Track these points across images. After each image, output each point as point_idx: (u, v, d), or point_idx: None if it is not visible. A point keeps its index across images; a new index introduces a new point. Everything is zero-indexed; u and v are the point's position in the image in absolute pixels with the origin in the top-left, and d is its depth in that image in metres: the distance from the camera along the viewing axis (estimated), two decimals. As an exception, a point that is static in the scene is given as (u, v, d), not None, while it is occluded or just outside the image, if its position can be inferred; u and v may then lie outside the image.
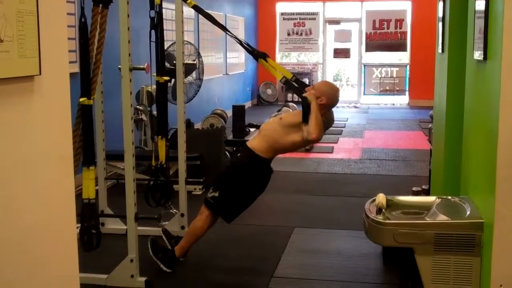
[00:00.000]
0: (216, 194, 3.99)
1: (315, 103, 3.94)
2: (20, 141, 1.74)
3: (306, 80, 14.97)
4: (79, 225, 3.33)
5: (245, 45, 4.26)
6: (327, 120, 4.10)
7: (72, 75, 2.01)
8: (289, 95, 14.74)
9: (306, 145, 4.05)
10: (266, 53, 4.23)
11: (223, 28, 4.42)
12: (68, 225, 2.02)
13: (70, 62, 2.01)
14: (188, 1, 4.28)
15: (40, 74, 1.76)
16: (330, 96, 4.06)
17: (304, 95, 4.00)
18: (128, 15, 3.72)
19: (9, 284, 1.73)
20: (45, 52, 1.77)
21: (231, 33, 4.38)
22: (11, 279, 1.73)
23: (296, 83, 4.25)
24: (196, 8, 4.32)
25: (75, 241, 2.06)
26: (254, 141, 4.08)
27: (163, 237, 4.26)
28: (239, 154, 4.13)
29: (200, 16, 6.54)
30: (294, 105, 11.85)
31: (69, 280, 2.04)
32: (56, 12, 1.87)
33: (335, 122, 4.35)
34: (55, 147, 1.91)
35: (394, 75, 15.19)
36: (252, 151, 4.02)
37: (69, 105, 1.97)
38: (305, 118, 3.95)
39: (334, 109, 4.21)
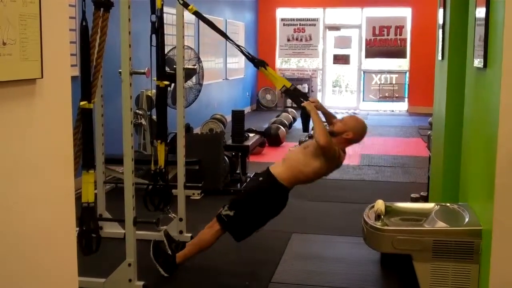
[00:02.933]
0: (231, 213, 3.99)
1: (314, 112, 3.94)
2: (21, 144, 1.74)
3: (306, 87, 15.02)
4: (77, 228, 3.33)
5: (246, 53, 4.27)
6: (339, 155, 3.98)
7: (72, 78, 2.01)
8: (288, 100, 14.75)
9: (330, 170, 4.01)
10: (265, 61, 4.23)
11: (224, 34, 4.42)
12: (68, 229, 2.02)
13: (71, 66, 2.01)
14: (189, 7, 4.28)
15: (42, 77, 1.77)
16: (357, 132, 4.01)
17: (302, 104, 4.01)
18: (129, 19, 3.73)
19: (8, 287, 1.73)
20: (47, 55, 1.78)
21: (231, 40, 4.38)
22: (10, 282, 1.73)
23: (295, 92, 4.24)
24: (197, 14, 4.33)
25: (75, 244, 2.06)
26: (278, 168, 4.04)
27: (164, 239, 4.26)
28: (260, 178, 4.08)
29: (200, 21, 6.52)
30: (294, 110, 11.89)
31: (69, 283, 2.04)
32: (58, 15, 1.87)
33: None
34: (56, 150, 1.91)
35: (394, 82, 15.21)
36: (275, 179, 4.00)
37: (70, 108, 1.98)
38: (305, 127, 3.96)
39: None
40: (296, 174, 4.00)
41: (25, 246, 1.79)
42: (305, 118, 3.99)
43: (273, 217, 4.16)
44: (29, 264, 1.82)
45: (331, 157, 3.90)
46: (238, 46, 4.32)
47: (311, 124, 4.11)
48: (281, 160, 4.12)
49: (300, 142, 7.57)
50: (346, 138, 3.96)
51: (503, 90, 2.74)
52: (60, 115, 1.92)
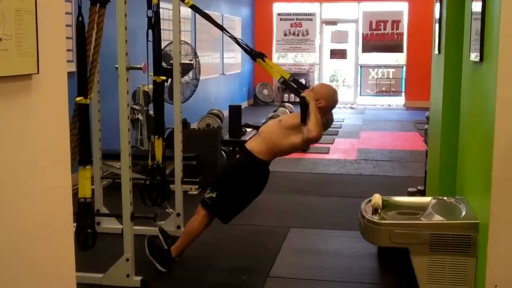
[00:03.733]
0: (214, 195, 4.00)
1: (313, 102, 3.96)
2: (17, 140, 1.74)
3: (303, 81, 15.01)
4: (75, 224, 3.33)
5: (243, 45, 4.27)
6: (326, 121, 4.13)
7: (69, 74, 2.01)
8: (286, 95, 14.76)
9: (306, 147, 4.09)
10: (263, 53, 4.24)
11: (221, 27, 4.42)
12: (66, 224, 2.02)
13: (67, 61, 2.01)
14: (186, 1, 4.28)
15: (38, 72, 1.76)
16: (329, 99, 4.08)
17: (302, 94, 4.02)
18: (125, 15, 3.72)
19: (6, 283, 1.73)
20: (43, 50, 1.77)
21: (228, 32, 4.38)
22: (7, 278, 1.73)
23: (294, 83, 4.26)
24: (194, 7, 4.32)
25: (72, 240, 2.06)
26: (253, 143, 4.09)
27: (160, 236, 4.26)
28: (238, 156, 4.14)
29: (197, 16, 6.51)
30: (291, 105, 11.88)
31: (66, 279, 2.04)
32: (54, 11, 1.87)
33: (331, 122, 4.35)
34: (53, 145, 1.91)
35: (391, 76, 15.22)
36: (251, 153, 4.03)
37: (66, 104, 1.97)
38: (303, 118, 3.97)
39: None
40: (271, 147, 4.03)
41: (23, 242, 1.79)
42: (304, 109, 4.00)
43: (257, 193, 4.17)
44: (27, 260, 1.82)
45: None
46: (235, 38, 4.32)
47: None
48: (256, 135, 4.18)
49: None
50: (320, 107, 3.99)
51: (499, 83, 2.75)
52: (56, 111, 1.92)
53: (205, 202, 4.03)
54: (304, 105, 3.98)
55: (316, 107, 3.95)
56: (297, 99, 4.05)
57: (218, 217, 4.08)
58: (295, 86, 4.25)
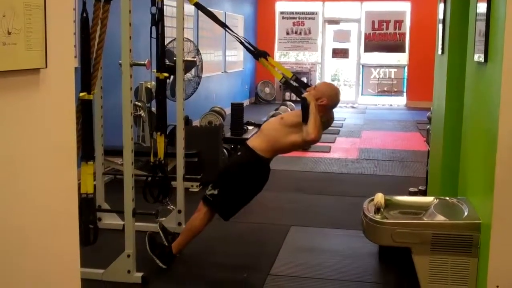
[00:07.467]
0: (215, 192, 4.01)
1: (314, 104, 3.96)
2: (25, 133, 1.75)
3: (304, 80, 15.01)
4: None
5: (246, 44, 4.27)
6: (327, 120, 4.12)
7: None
8: (287, 94, 14.76)
9: (306, 145, 4.08)
10: (267, 52, 4.24)
11: (224, 25, 4.43)
12: (71, 220, 2.02)
13: (72, 57, 2.01)
14: (190, -1, 4.29)
15: (46, 67, 1.77)
16: (331, 98, 4.08)
17: (303, 95, 4.03)
18: (129, 11, 3.72)
19: (11, 277, 1.73)
20: (51, 45, 1.78)
21: (232, 31, 4.37)
22: (13, 272, 1.74)
23: (296, 83, 4.27)
24: (198, 5, 4.33)
25: (77, 235, 2.06)
26: (255, 140, 4.10)
27: (160, 233, 4.27)
28: (239, 153, 4.16)
29: (200, 13, 6.51)
30: (292, 104, 11.88)
31: (71, 273, 2.04)
32: (63, 5, 1.87)
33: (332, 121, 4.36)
34: (60, 139, 1.92)
35: (392, 76, 15.21)
36: (253, 150, 4.04)
37: (73, 99, 1.98)
38: (305, 118, 3.97)
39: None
40: (273, 144, 4.05)
41: (28, 236, 1.80)
42: (305, 109, 4.00)
43: (258, 190, 4.19)
44: (32, 255, 1.82)
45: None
46: (238, 37, 4.32)
47: None
48: (257, 132, 4.18)
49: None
50: (322, 105, 4.00)
51: (503, 84, 2.75)
52: (64, 105, 1.92)
53: (207, 199, 4.04)
54: (305, 106, 3.99)
55: (316, 108, 3.95)
56: (299, 98, 4.06)
57: (219, 214, 4.09)
58: (296, 85, 4.26)
